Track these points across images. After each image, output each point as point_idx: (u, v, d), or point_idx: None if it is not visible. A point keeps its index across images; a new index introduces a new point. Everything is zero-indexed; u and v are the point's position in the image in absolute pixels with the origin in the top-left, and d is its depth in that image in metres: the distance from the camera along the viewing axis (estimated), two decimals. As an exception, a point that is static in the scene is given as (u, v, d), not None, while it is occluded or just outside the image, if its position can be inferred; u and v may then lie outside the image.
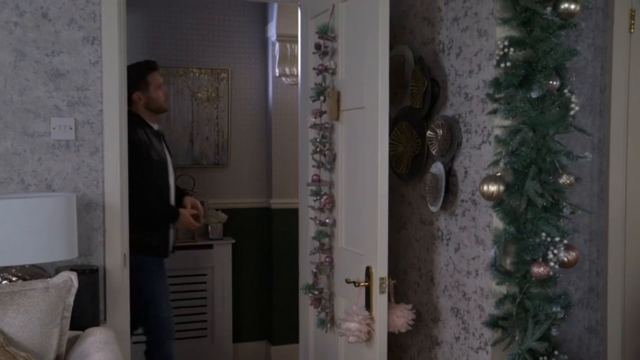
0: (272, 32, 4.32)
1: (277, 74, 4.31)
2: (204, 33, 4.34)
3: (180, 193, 3.53)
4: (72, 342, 2.40)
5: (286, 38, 4.21)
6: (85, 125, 2.76)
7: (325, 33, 2.59)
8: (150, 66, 3.33)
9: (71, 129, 2.74)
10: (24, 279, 2.49)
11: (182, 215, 3.35)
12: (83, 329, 2.53)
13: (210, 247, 4.12)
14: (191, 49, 4.31)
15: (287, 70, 4.28)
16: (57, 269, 2.60)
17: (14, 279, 2.49)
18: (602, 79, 2.40)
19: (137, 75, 3.25)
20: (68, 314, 2.34)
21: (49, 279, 2.36)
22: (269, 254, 4.32)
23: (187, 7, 4.25)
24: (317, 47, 2.62)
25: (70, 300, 2.34)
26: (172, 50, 4.27)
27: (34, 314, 2.23)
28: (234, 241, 4.16)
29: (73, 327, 2.43)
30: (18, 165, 2.69)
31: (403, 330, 2.37)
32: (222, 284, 4.16)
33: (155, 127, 3.35)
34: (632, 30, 2.44)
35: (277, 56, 4.28)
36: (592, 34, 2.34)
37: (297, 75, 3.74)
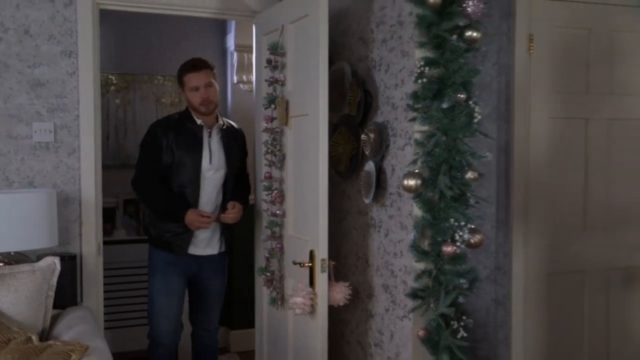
0: (230, 42, 4.70)
1: (236, 81, 4.70)
2: (167, 43, 4.70)
3: (235, 195, 3.32)
4: (54, 319, 2.75)
5: (243, 48, 4.60)
6: (64, 129, 3.11)
7: (276, 49, 3.01)
8: (186, 68, 3.23)
9: (51, 132, 3.09)
10: (10, 264, 2.83)
11: (188, 215, 3.13)
12: (63, 307, 2.88)
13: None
14: (155, 58, 4.67)
15: (244, 77, 4.67)
16: (39, 256, 2.94)
17: (0, 264, 2.84)
18: (506, 91, 2.86)
19: (178, 74, 3.28)
20: (52, 294, 2.69)
21: (34, 263, 2.71)
22: (229, 245, 4.68)
23: (152, 20, 4.59)
24: (268, 61, 3.03)
25: (54, 281, 2.70)
26: (138, 59, 4.62)
27: (23, 293, 2.58)
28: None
29: (54, 306, 2.78)
30: (3, 164, 3.03)
31: (341, 304, 2.79)
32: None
33: (199, 121, 3.22)
34: (531, 51, 2.91)
35: (235, 65, 4.67)
36: (497, 55, 2.80)
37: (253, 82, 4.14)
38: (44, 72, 3.08)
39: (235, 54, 4.65)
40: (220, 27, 4.83)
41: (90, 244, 3.15)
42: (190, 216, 3.14)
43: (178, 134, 3.20)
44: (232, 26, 4.63)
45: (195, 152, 3.20)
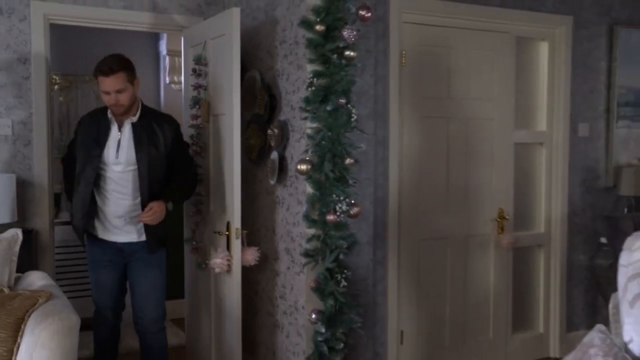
0: (163, 47, 5.33)
1: (168, 82, 5.33)
2: (106, 47, 5.20)
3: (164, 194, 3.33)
4: (17, 280, 3.35)
5: (174, 53, 5.22)
6: (20, 124, 3.70)
7: (199, 61, 3.69)
8: (98, 70, 3.22)
9: (9, 127, 3.68)
10: (-24, 237, 3.40)
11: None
12: (23, 272, 3.48)
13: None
14: (96, 61, 5.19)
15: (175, 78, 5.29)
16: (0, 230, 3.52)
17: (-31, 236, 3.41)
18: (383, 97, 3.64)
19: (94, 71, 3.26)
20: (15, 259, 3.27)
21: (0, 234, 3.30)
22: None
23: (93, 28, 5.17)
24: (194, 70, 3.71)
25: (17, 249, 3.27)
26: (80, 61, 5.15)
27: (-9, 258, 3.17)
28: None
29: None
30: (-32, 154, 3.60)
31: (252, 264, 3.49)
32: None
33: (109, 115, 3.28)
34: (403, 64, 3.70)
35: (167, 67, 5.29)
36: (374, 68, 3.57)
37: (183, 84, 4.77)
38: (2, 77, 3.66)
39: (167, 58, 5.28)
40: (153, 34, 5.42)
41: (43, 220, 3.76)
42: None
43: (90, 127, 3.31)
44: (164, 33, 5.25)
45: (97, 145, 3.25)
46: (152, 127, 3.32)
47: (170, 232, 3.52)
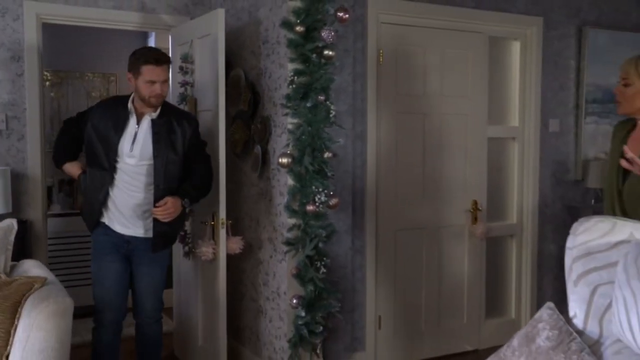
0: (151, 44, 5.49)
1: (156, 78, 5.48)
2: (96, 44, 5.43)
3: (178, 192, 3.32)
4: (12, 268, 3.52)
5: (163, 49, 5.37)
6: (14, 119, 3.86)
7: (186, 59, 3.86)
8: (146, 59, 3.20)
9: (3, 121, 3.84)
10: (-28, 226, 3.56)
11: (65, 168, 3.44)
12: (17, 261, 3.65)
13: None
14: (86, 58, 5.40)
15: (164, 75, 5.45)
16: (-5, 221, 3.69)
17: (-34, 226, 3.57)
18: (362, 93, 3.83)
19: (134, 60, 3.24)
20: (10, 247, 3.43)
21: (-4, 224, 3.47)
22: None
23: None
24: (181, 68, 3.88)
25: (12, 238, 3.43)
26: (71, 59, 5.34)
27: (-12, 246, 3.34)
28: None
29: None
30: (-36, 148, 3.76)
31: (237, 252, 3.68)
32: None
33: (129, 106, 3.29)
34: (381, 62, 3.89)
35: (156, 64, 5.45)
36: (352, 66, 3.76)
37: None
38: (-3, 74, 3.82)
39: (155, 55, 5.43)
40: (142, 32, 5.57)
41: (36, 211, 3.93)
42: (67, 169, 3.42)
43: (108, 112, 3.29)
44: (153, 32, 5.41)
45: (114, 134, 3.24)
46: (172, 124, 3.30)
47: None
